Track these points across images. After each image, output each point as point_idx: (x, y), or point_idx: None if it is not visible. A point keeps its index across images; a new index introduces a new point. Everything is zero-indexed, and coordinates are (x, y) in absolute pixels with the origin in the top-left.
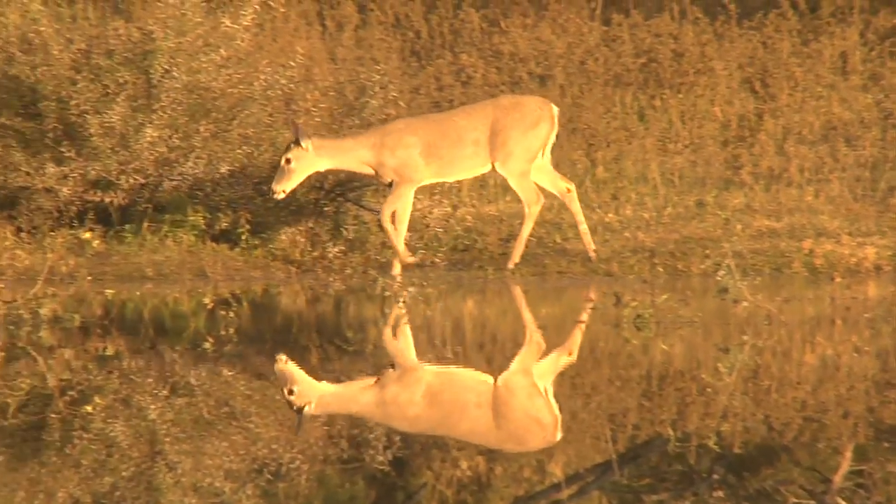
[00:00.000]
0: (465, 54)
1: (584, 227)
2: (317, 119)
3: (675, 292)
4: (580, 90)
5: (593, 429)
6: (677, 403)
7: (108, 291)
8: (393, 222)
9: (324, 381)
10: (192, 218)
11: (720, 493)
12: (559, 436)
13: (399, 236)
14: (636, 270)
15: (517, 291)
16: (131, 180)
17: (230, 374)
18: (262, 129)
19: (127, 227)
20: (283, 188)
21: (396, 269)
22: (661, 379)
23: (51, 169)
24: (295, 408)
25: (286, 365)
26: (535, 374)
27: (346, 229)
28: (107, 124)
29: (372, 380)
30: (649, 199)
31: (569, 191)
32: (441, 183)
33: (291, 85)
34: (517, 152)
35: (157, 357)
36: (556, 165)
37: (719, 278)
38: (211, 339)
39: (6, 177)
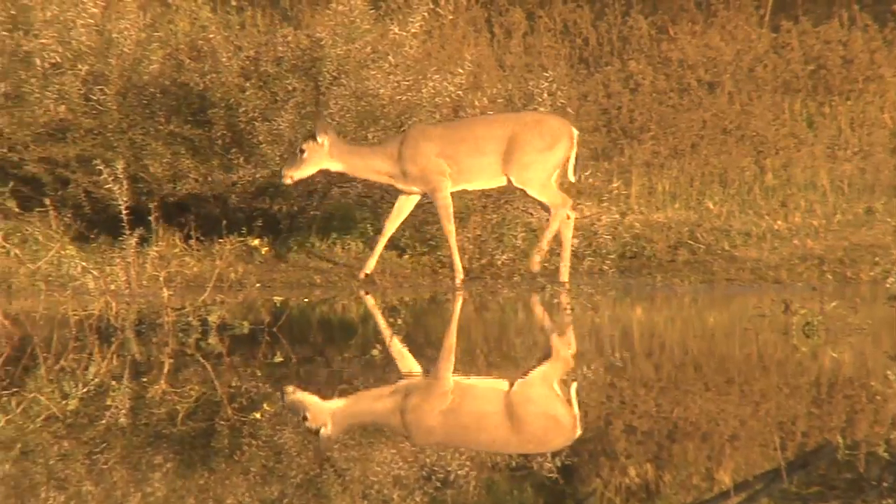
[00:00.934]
0: (633, 61)
1: (547, 238)
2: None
3: (844, 300)
4: (749, 97)
5: (762, 436)
6: (846, 411)
7: (277, 298)
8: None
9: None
10: (359, 225)
11: (889, 502)
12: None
13: (454, 249)
14: (805, 278)
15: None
16: (300, 187)
17: (397, 380)
18: None
19: (295, 234)
20: (291, 174)
21: (564, 276)
22: (830, 386)
23: (220, 176)
24: (312, 431)
25: (294, 394)
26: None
27: (513, 236)
28: (275, 131)
29: (395, 388)
30: (818, 206)
31: (567, 217)
32: (609, 190)
33: (459, 92)
34: (533, 170)
35: (325, 364)
36: (725, 171)
37: (888, 285)
38: (379, 347)
39: (176, 184)
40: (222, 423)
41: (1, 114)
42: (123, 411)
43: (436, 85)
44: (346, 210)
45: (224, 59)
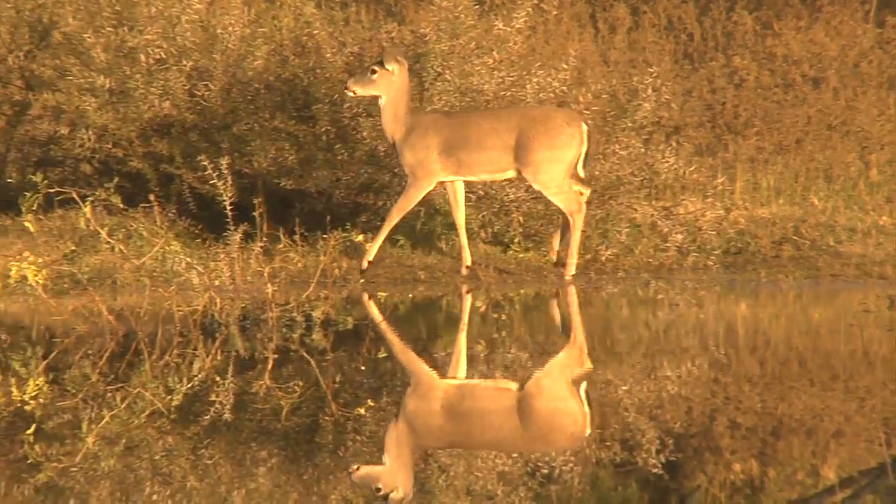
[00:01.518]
0: (737, 56)
1: (575, 246)
2: (589, 122)
3: None
4: (854, 92)
5: (867, 432)
6: None
7: (381, 294)
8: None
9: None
10: None
11: None
12: None
13: (381, 235)
14: None
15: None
16: (403, 183)
17: (502, 377)
18: None
19: (399, 229)
20: (354, 88)
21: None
22: None
23: (324, 172)
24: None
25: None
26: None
27: (617, 232)
28: (379, 127)
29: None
30: None
31: (581, 194)
32: (714, 186)
33: (563, 88)
34: (545, 166)
35: (429, 360)
36: (829, 167)
37: None
38: (483, 343)
39: (280, 179)
40: (326, 418)
41: (106, 110)
42: (227, 407)
43: (540, 81)
44: (450, 206)
45: (328, 55)
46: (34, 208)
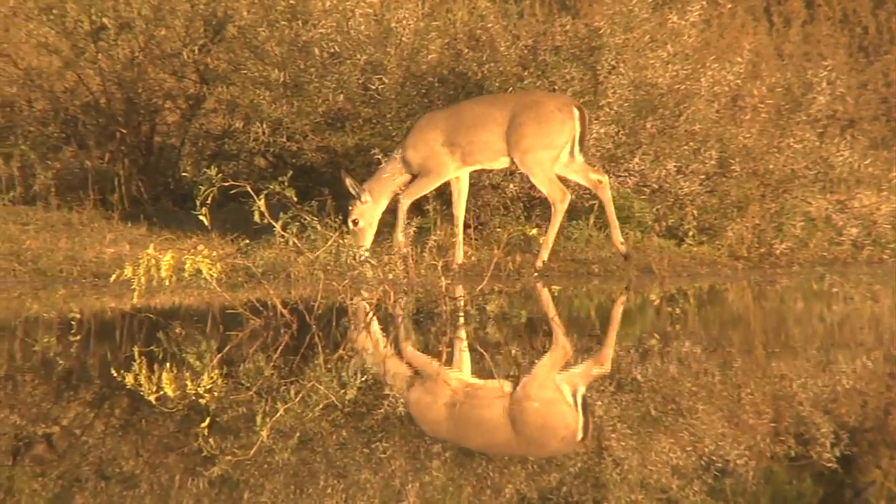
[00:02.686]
0: None
1: (614, 221)
2: (763, 115)
3: None
4: None
5: None
6: None
7: (555, 287)
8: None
9: None
10: (638, 214)
11: None
12: None
13: (400, 224)
14: None
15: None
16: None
17: (676, 370)
18: (708, 126)
19: (573, 223)
20: (362, 250)
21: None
22: None
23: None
24: None
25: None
26: None
27: (792, 226)
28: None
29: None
30: None
31: (600, 182)
32: (889, 179)
33: (738, 81)
34: (534, 150)
35: (602, 353)
36: None
37: None
38: (657, 336)
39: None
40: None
41: (280, 103)
42: (401, 400)
43: (714, 74)
44: (624, 199)
45: (502, 48)
46: (208, 202)
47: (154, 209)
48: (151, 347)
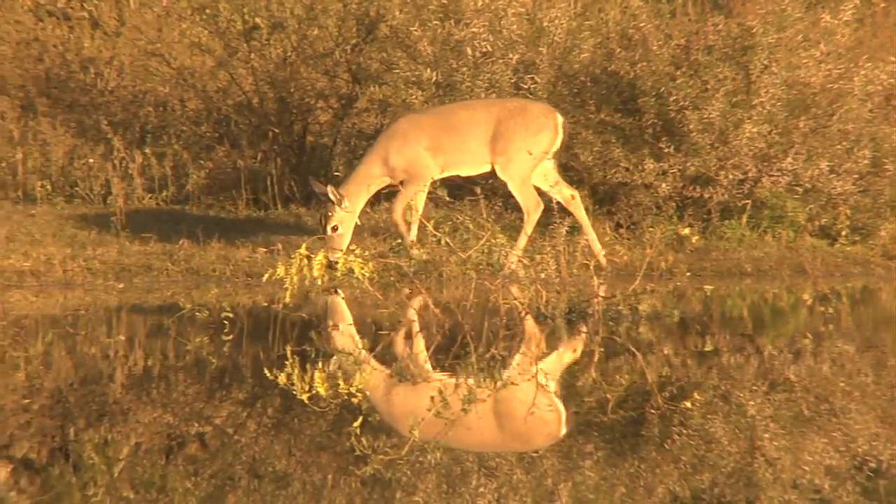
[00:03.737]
0: None
1: (591, 236)
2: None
3: None
4: None
5: None
6: None
7: (707, 287)
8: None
9: None
10: (791, 214)
11: None
12: None
13: (410, 231)
14: None
15: None
16: (730, 176)
17: (829, 370)
18: (861, 125)
19: (726, 222)
20: (336, 254)
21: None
22: None
23: (650, 165)
24: None
25: None
26: None
27: None
28: (706, 120)
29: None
30: None
31: (573, 198)
32: None
33: (891, 80)
34: (517, 158)
35: (755, 353)
36: None
37: None
38: (810, 336)
39: (606, 172)
40: (652, 412)
41: (432, 102)
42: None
43: (867, 73)
44: (776, 199)
45: (654, 48)
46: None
47: (306, 209)
48: (304, 346)
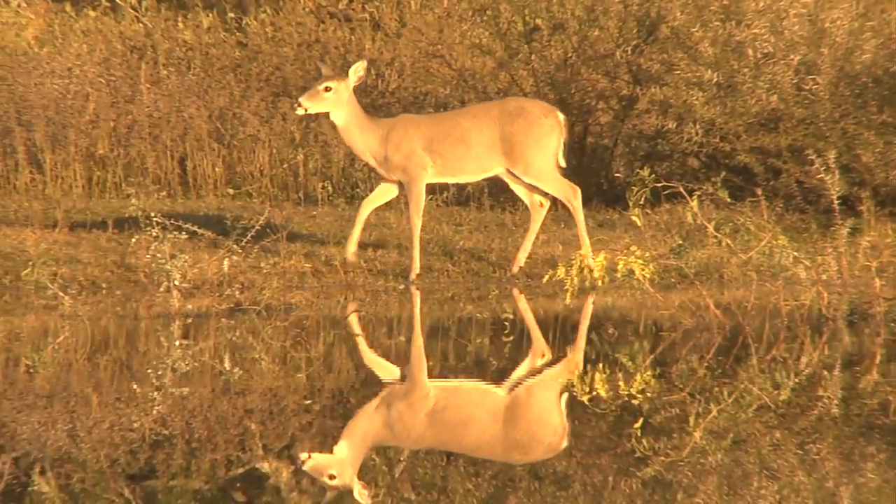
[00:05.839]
0: None
1: (528, 245)
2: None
3: None
4: None
5: None
6: None
7: None
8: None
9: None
10: None
11: None
12: None
13: (415, 243)
14: None
15: None
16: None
17: None
18: None
19: None
20: (306, 106)
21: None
22: None
23: None
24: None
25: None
26: None
27: None
28: None
29: None
30: None
31: (542, 205)
32: None
33: None
34: (535, 159)
35: None
36: None
37: None
38: None
39: (887, 174)
40: None
41: (713, 104)
42: (835, 402)
43: None
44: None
45: None
46: (641, 203)
47: (586, 210)
48: (584, 348)
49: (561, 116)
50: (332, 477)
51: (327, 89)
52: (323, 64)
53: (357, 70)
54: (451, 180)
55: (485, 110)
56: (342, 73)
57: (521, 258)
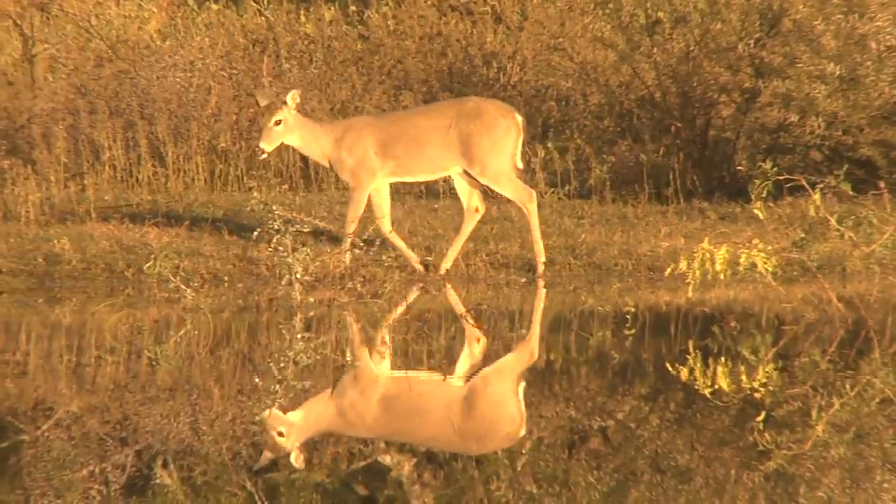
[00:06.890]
0: None
1: (457, 247)
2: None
3: None
4: None
5: None
6: None
7: None
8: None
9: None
10: None
11: None
12: None
13: (403, 246)
14: None
15: None
16: None
17: None
18: None
19: None
20: (265, 147)
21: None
22: None
23: None
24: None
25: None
26: None
27: None
28: None
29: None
30: None
31: (477, 210)
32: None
33: None
34: (492, 160)
35: None
36: None
37: None
38: None
39: None
40: None
41: (836, 97)
42: None
43: None
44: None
45: None
46: (763, 196)
47: (708, 203)
48: (706, 342)
49: (519, 118)
50: (280, 434)
51: (277, 123)
52: (258, 92)
53: (294, 97)
54: (408, 179)
55: (442, 110)
56: (279, 99)
57: (450, 259)
